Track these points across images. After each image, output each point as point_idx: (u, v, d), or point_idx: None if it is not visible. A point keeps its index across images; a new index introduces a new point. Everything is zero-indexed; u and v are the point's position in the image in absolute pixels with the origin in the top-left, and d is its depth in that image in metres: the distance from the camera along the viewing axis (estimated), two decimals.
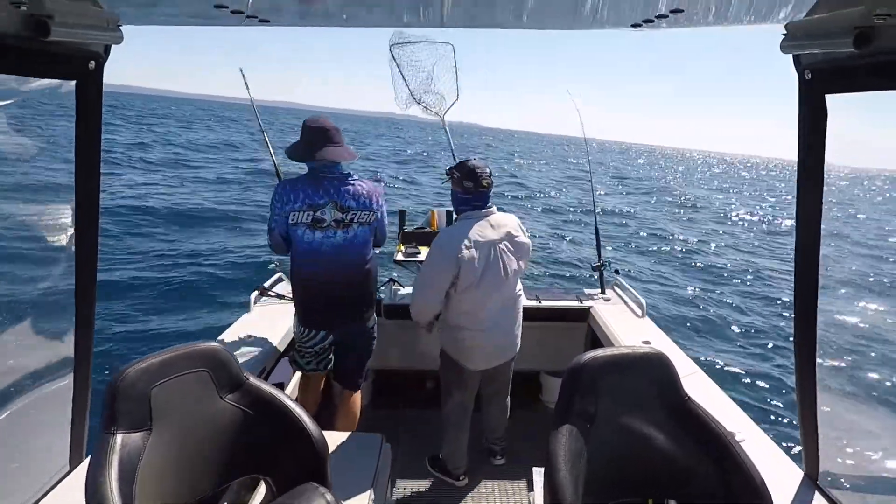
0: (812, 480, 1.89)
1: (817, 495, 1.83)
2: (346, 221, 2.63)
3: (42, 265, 1.89)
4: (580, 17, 1.53)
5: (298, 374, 3.03)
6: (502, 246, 2.66)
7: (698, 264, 12.73)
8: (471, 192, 2.65)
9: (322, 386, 3.04)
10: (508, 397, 3.12)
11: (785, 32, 1.51)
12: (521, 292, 2.86)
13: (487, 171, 2.67)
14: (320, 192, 2.59)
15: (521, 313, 2.88)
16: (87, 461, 1.72)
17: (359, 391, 2.99)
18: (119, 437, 1.42)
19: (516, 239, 2.72)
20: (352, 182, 2.66)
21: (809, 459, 1.89)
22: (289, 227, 2.62)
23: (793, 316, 1.83)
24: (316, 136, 2.62)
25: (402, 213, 3.94)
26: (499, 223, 2.68)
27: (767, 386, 6.30)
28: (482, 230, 2.62)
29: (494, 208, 2.72)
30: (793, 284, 1.79)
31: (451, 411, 2.93)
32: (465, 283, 2.59)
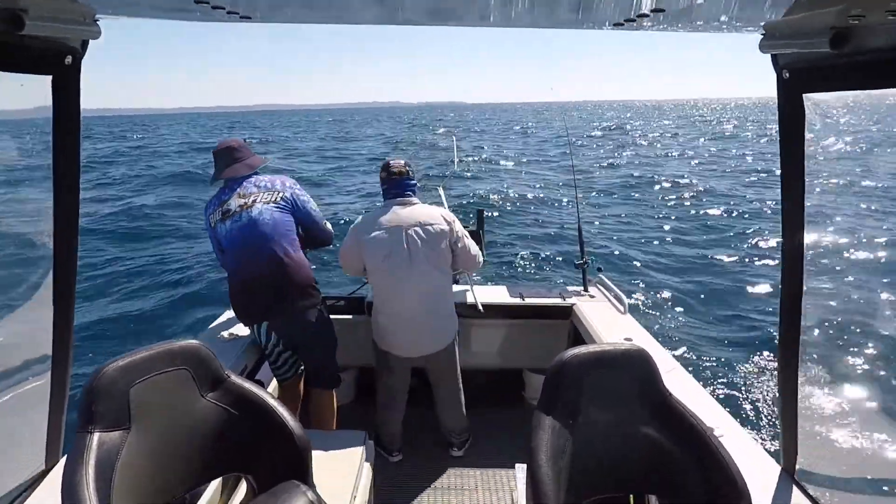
0: (789, 475, 1.92)
1: (795, 490, 1.86)
2: (248, 204, 2.76)
3: (21, 263, 1.86)
4: (561, 16, 1.53)
5: None
6: (411, 232, 2.82)
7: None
8: (386, 181, 2.96)
9: (301, 389, 3.04)
10: (461, 392, 3.15)
11: (763, 32, 1.53)
12: (446, 284, 2.97)
13: (401, 162, 2.99)
14: (226, 191, 2.84)
15: (448, 305, 2.99)
16: (63, 460, 1.69)
17: (331, 390, 2.98)
18: (96, 436, 1.40)
19: (431, 226, 2.84)
20: (252, 177, 2.87)
21: (787, 454, 1.92)
22: (213, 233, 2.82)
23: (777, 310, 1.86)
24: (219, 160, 2.90)
25: (480, 213, 3.82)
26: (413, 211, 2.88)
27: (745, 381, 6.39)
28: (392, 216, 2.85)
29: (414, 198, 2.95)
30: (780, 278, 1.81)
31: (379, 392, 3.10)
32: (371, 263, 2.84)
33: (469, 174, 19.27)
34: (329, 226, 3.02)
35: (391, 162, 3.00)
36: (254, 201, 2.76)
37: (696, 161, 27.22)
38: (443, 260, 2.89)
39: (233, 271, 2.77)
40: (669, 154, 30.93)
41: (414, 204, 2.93)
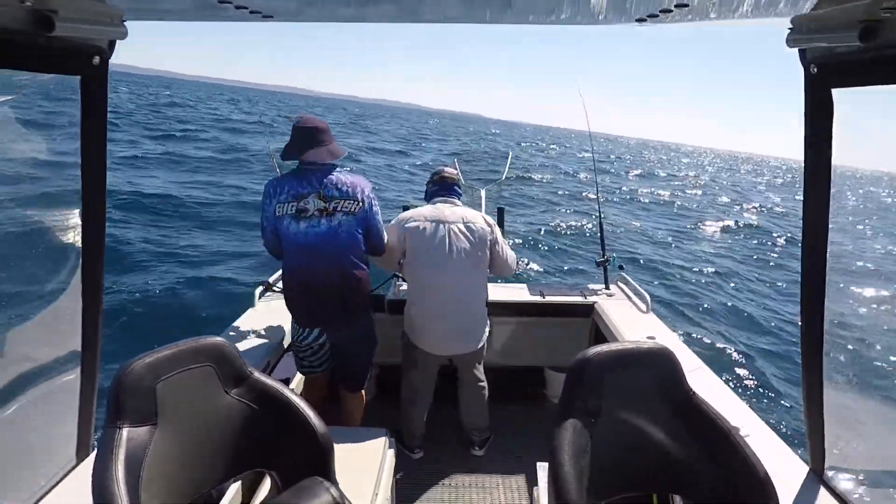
0: (818, 475, 1.88)
1: (823, 490, 1.83)
2: (329, 210, 2.64)
3: (50, 260, 1.90)
4: (584, 12, 1.52)
5: None
6: (454, 227, 2.90)
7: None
8: (437, 183, 3.10)
9: (326, 385, 3.05)
10: (485, 391, 3.16)
11: (791, 26, 1.50)
12: (481, 283, 2.99)
13: (454, 171, 3.17)
14: (304, 182, 2.65)
15: (481, 306, 3.00)
16: (93, 455, 1.73)
17: (361, 392, 2.99)
18: (125, 432, 1.43)
19: (472, 224, 2.93)
20: (335, 172, 2.71)
21: (815, 454, 1.89)
22: (276, 222, 2.66)
23: (799, 310, 1.83)
24: (300, 138, 2.71)
25: (500, 212, 3.80)
26: (456, 210, 2.99)
27: (773, 381, 6.29)
28: (437, 211, 2.96)
29: (458, 201, 3.08)
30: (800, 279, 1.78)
31: (403, 387, 3.13)
32: (411, 252, 2.93)
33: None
34: (386, 238, 2.93)
35: (445, 169, 3.18)
36: (335, 209, 2.64)
37: None
38: (480, 259, 2.92)
39: (295, 270, 2.70)
40: None
41: (457, 205, 3.04)
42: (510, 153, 5.98)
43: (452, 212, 2.96)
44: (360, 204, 2.70)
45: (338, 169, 2.75)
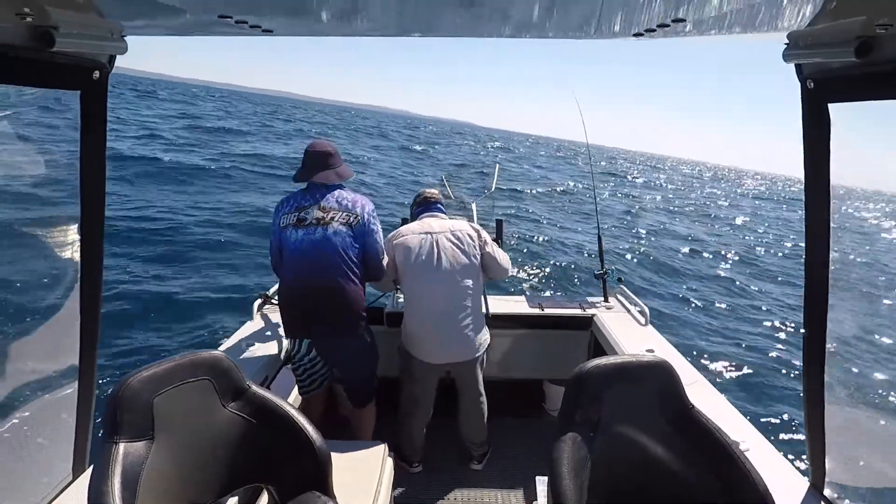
0: (818, 491, 1.87)
1: None
2: (325, 220, 2.72)
3: (48, 274, 1.90)
4: (582, 27, 1.53)
5: None
6: (441, 237, 2.95)
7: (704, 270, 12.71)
8: (420, 204, 3.22)
9: (325, 399, 3.05)
10: (484, 405, 3.15)
11: (787, 42, 1.51)
12: (475, 290, 2.98)
13: (435, 191, 3.28)
14: (307, 195, 2.79)
15: (477, 313, 3.00)
16: (89, 470, 1.72)
17: (369, 406, 2.99)
18: (122, 447, 1.42)
19: (459, 232, 2.99)
20: (338, 189, 2.82)
21: (815, 469, 1.88)
22: (280, 234, 2.76)
23: (802, 324, 1.83)
24: (312, 161, 2.82)
25: (499, 223, 3.76)
26: (442, 222, 3.06)
27: (773, 395, 6.27)
28: (424, 225, 3.03)
29: (444, 215, 3.17)
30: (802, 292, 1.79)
31: (401, 401, 3.13)
32: (401, 266, 2.96)
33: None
34: (385, 262, 2.94)
35: (426, 190, 3.29)
36: (332, 218, 2.72)
37: None
38: (471, 266, 2.94)
39: (290, 280, 2.75)
40: None
41: (442, 218, 3.12)
42: (497, 165, 5.99)
43: (440, 223, 3.03)
44: (358, 218, 2.75)
45: (342, 187, 2.86)
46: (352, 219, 2.74)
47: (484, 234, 3.05)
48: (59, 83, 1.54)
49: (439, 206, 3.21)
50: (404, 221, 3.41)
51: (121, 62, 1.69)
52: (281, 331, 3.11)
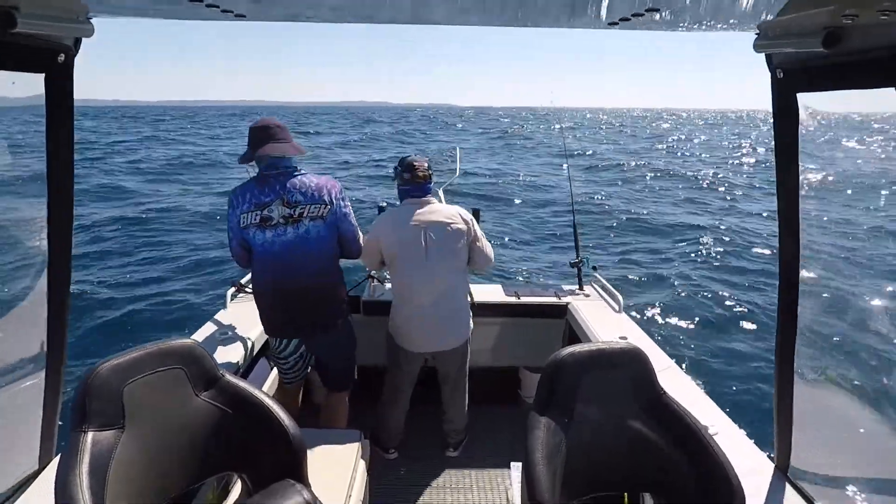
0: (783, 473, 1.93)
1: (788, 488, 1.87)
2: (294, 217, 2.54)
3: (15, 262, 1.85)
4: (554, 15, 1.53)
5: (276, 370, 3.01)
6: (429, 230, 2.85)
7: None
8: (409, 182, 2.93)
9: (300, 387, 3.02)
10: (466, 393, 3.17)
11: (758, 32, 1.53)
12: (461, 282, 2.99)
13: (425, 164, 2.95)
14: (266, 189, 2.53)
15: (463, 303, 3.01)
16: (56, 460, 1.69)
17: (344, 392, 2.97)
18: (90, 436, 1.40)
19: (449, 225, 2.88)
20: (298, 176, 2.59)
21: (781, 453, 1.93)
22: (242, 233, 2.56)
23: (775, 311, 1.87)
24: (257, 136, 2.57)
25: (475, 213, 3.61)
26: (432, 210, 2.91)
27: (741, 379, 6.41)
28: (413, 215, 2.87)
29: (432, 198, 2.97)
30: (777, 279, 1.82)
31: (385, 388, 3.12)
32: (389, 260, 2.90)
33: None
34: (362, 240, 2.85)
35: (415, 163, 2.93)
36: (300, 215, 2.54)
37: None
38: (459, 258, 2.92)
39: (265, 282, 2.62)
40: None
41: (431, 203, 2.95)
42: (457, 147, 5.89)
43: (428, 211, 2.90)
44: (328, 206, 2.59)
45: (301, 172, 2.62)
46: (322, 210, 2.57)
47: (475, 225, 3.00)
48: (22, 66, 1.48)
49: (428, 186, 2.97)
50: (380, 210, 3.38)
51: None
52: (255, 319, 3.08)
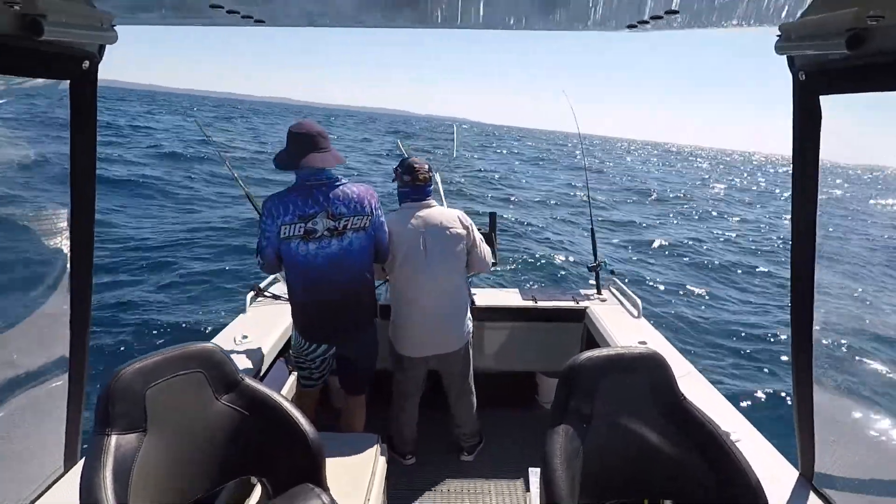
0: (807, 480, 1.89)
1: (812, 495, 1.83)
2: (339, 229, 2.54)
3: (38, 266, 1.88)
4: (574, 19, 1.53)
5: (294, 374, 3.03)
6: (429, 235, 2.85)
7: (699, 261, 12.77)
8: (409, 185, 2.93)
9: (319, 391, 3.03)
10: (473, 396, 3.17)
11: (779, 34, 1.51)
12: (461, 286, 2.99)
13: (426, 167, 2.94)
14: (310, 201, 2.50)
15: (463, 307, 3.00)
16: (81, 463, 1.71)
17: (363, 395, 2.98)
18: (114, 439, 1.42)
19: (448, 230, 2.88)
20: (340, 186, 2.57)
21: (805, 459, 1.89)
22: (281, 243, 2.52)
23: (789, 315, 1.84)
24: (300, 143, 2.53)
25: (492, 216, 3.64)
26: (432, 214, 2.91)
27: (763, 385, 6.32)
28: (413, 219, 2.88)
29: (433, 201, 2.97)
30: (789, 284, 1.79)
31: (393, 394, 3.14)
32: (389, 266, 2.89)
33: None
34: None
35: (416, 165, 2.91)
36: (344, 227, 2.54)
37: None
38: (458, 263, 2.93)
39: (304, 291, 2.61)
40: None
41: (431, 206, 2.95)
42: (454, 128, 5.82)
43: (427, 215, 2.89)
44: (370, 217, 2.62)
45: (342, 181, 2.60)
46: (364, 221, 2.60)
47: (474, 230, 2.99)
48: (49, 73, 1.52)
49: (428, 189, 2.97)
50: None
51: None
52: (274, 323, 3.10)
